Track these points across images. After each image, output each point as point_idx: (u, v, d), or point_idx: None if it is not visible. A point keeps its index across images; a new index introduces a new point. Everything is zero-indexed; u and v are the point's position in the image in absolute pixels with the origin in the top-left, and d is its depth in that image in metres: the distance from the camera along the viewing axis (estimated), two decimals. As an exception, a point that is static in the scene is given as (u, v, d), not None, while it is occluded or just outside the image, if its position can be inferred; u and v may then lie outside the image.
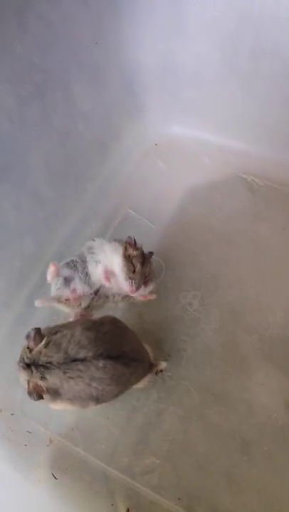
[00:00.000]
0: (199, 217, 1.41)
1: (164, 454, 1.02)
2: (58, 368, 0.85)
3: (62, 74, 1.17)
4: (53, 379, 0.85)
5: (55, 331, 0.90)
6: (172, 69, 1.44)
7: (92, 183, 1.44)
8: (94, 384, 0.86)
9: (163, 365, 1.01)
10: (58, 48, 1.13)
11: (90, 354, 0.86)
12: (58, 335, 0.88)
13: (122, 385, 0.92)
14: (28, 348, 0.88)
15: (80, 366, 0.85)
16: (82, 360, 0.85)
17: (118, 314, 1.02)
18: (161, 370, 1.05)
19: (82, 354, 0.86)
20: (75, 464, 1.02)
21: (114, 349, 0.89)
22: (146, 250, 1.11)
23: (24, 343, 0.90)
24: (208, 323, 1.19)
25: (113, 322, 0.97)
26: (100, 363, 0.86)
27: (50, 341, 0.87)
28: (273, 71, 1.28)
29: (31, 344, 0.88)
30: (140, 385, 1.01)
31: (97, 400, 0.91)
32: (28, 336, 0.89)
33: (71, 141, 1.30)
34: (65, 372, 0.85)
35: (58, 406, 0.93)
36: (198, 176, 1.50)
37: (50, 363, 0.85)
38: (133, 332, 1.00)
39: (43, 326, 0.93)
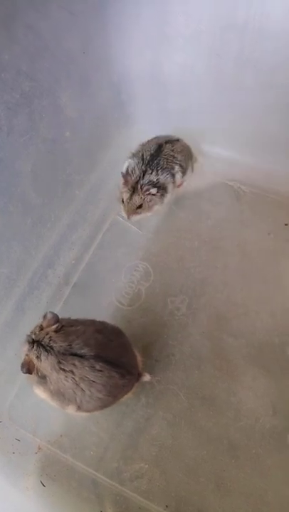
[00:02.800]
0: (186, 223, 1.43)
1: (152, 459, 1.02)
2: (56, 356, 0.86)
3: (50, 82, 1.18)
4: (46, 364, 0.86)
5: (72, 323, 0.93)
6: (159, 78, 1.46)
7: (81, 189, 1.45)
8: (82, 385, 0.87)
9: (147, 377, 1.02)
10: (46, 57, 1.15)
11: (92, 354, 0.87)
12: (73, 328, 0.90)
13: (112, 396, 0.92)
14: (41, 326, 0.91)
15: (76, 362, 0.86)
16: (81, 356, 0.86)
17: (107, 318, 1.02)
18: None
19: (84, 351, 0.87)
20: (63, 471, 1.02)
21: (115, 357, 0.90)
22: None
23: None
24: (195, 327, 1.20)
25: (119, 334, 1.00)
26: (98, 365, 0.86)
27: (61, 329, 0.89)
28: (257, 81, 1.31)
29: (44, 324, 0.90)
30: (126, 396, 1.01)
31: (78, 407, 0.91)
32: (44, 316, 0.92)
33: (59, 149, 1.30)
34: (59, 363, 0.86)
35: (40, 393, 0.94)
36: (185, 183, 1.52)
37: (51, 347, 0.86)
38: (132, 347, 1.01)
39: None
